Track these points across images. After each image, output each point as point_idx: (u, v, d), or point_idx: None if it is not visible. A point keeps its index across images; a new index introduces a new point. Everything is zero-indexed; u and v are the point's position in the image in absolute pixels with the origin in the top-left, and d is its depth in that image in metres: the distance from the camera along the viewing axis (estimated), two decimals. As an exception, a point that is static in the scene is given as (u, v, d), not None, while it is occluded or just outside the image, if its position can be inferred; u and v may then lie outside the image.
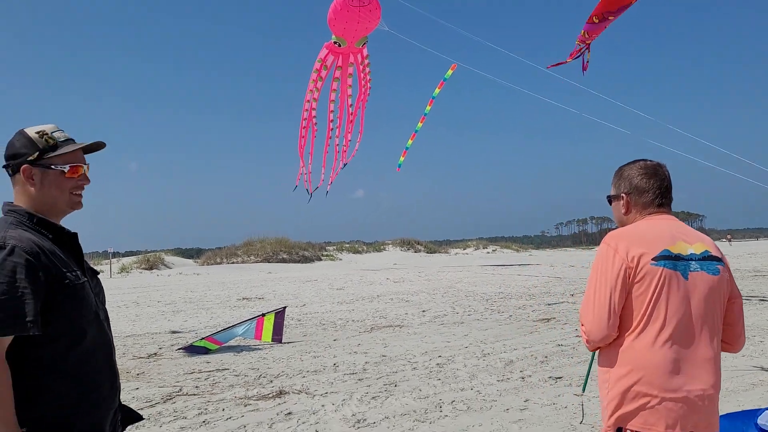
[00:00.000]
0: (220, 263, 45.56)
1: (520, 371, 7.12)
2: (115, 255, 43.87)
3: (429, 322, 11.99)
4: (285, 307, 10.41)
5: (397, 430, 5.03)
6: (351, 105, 12.78)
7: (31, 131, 1.99)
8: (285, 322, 10.39)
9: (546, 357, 7.92)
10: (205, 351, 9.16)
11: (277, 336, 9.72)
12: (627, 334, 2.22)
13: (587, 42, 8.55)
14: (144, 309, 16.78)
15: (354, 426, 5.19)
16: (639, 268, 2.19)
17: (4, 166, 2.01)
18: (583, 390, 3.11)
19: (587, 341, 2.33)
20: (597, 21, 8.07)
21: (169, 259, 44.93)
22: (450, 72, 13.88)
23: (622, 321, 2.23)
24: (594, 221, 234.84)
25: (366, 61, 12.43)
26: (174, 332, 11.71)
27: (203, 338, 9.50)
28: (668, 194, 2.49)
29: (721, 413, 4.00)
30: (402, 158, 14.73)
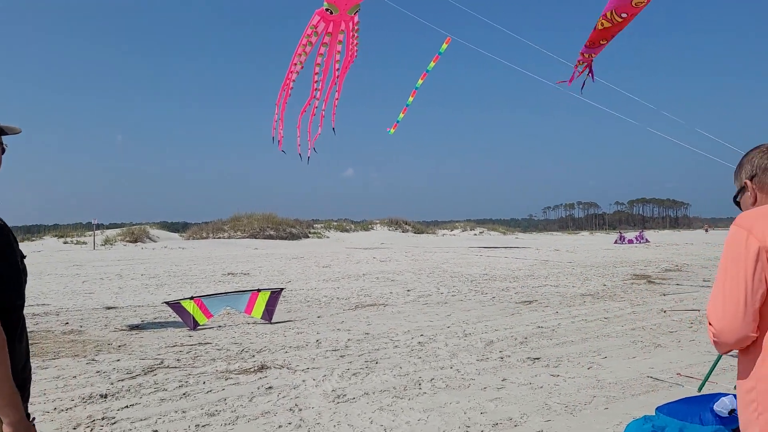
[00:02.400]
0: (206, 238, 45.44)
1: (500, 351, 7.21)
2: (99, 227, 43.52)
3: (413, 302, 12.07)
4: (282, 289, 10.31)
5: (376, 405, 5.10)
6: (338, 70, 12.70)
7: None
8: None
9: (525, 338, 8.02)
10: (194, 321, 9.15)
11: (268, 314, 9.60)
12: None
13: (589, 61, 8.51)
14: (127, 282, 16.75)
15: (333, 401, 5.25)
16: None
17: None
18: (699, 389, 2.86)
19: (716, 343, 1.92)
20: (590, 47, 8.05)
21: (154, 232, 44.71)
22: (445, 46, 13.72)
23: (763, 318, 1.83)
24: (581, 206, 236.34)
25: (356, 28, 12.33)
26: (154, 306, 11.72)
27: (192, 298, 9.40)
28: None
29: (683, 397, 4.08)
30: (393, 129, 14.62)
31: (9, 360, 1.76)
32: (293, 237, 48.77)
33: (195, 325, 9.15)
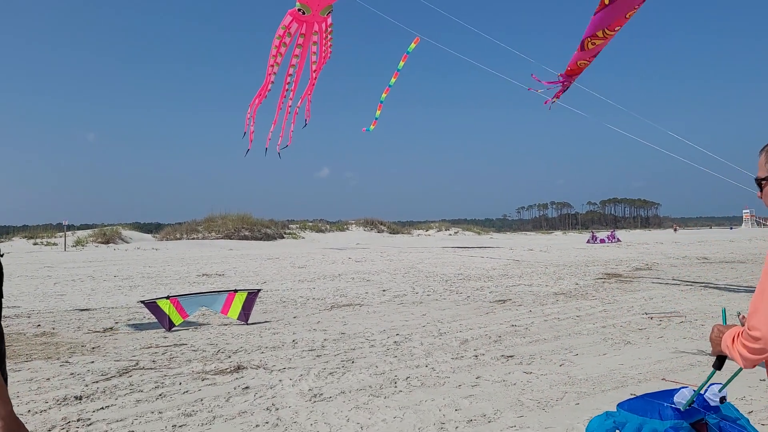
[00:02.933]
0: (179, 239, 44.94)
1: (474, 350, 7.33)
2: (70, 228, 42.76)
3: (389, 302, 12.16)
4: (259, 290, 10.28)
5: (352, 404, 5.16)
6: (314, 71, 12.74)
7: None
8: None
9: (499, 336, 8.16)
10: (169, 321, 9.09)
11: (245, 315, 9.57)
12: None
13: (566, 87, 8.80)
14: (100, 283, 16.52)
15: (310, 400, 5.30)
16: None
17: None
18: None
19: (752, 350, 1.83)
20: (571, 74, 8.34)
21: (126, 233, 44.10)
22: (413, 45, 13.87)
23: None
24: (554, 206, 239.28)
25: (329, 29, 12.36)
26: (128, 308, 11.60)
27: (168, 297, 9.31)
28: None
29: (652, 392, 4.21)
30: (373, 126, 14.75)
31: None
32: (268, 237, 48.52)
33: (170, 326, 9.09)
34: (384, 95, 13.88)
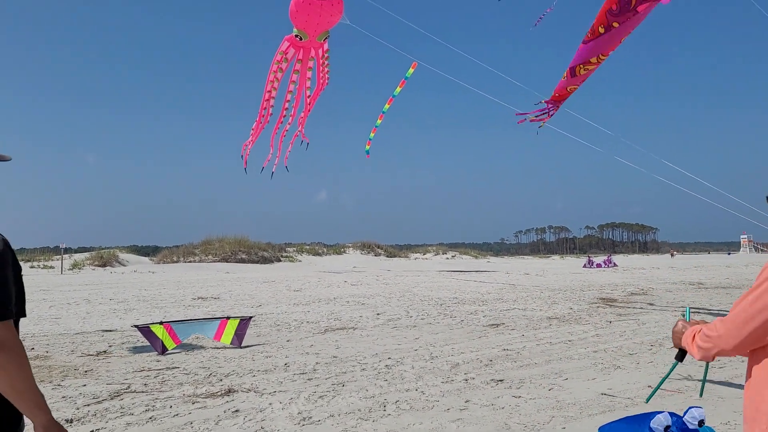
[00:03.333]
0: (176, 262, 44.91)
1: (465, 374, 7.37)
2: (67, 251, 42.74)
3: (382, 325, 12.18)
4: (251, 317, 10.36)
5: (341, 427, 5.20)
6: (309, 96, 12.94)
7: None
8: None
9: (491, 360, 8.20)
10: (162, 346, 9.12)
11: (238, 340, 9.63)
12: None
13: (553, 112, 9.00)
14: (95, 306, 16.53)
15: (299, 423, 5.34)
16: None
17: None
18: (701, 395, 3.08)
19: (706, 349, 2.06)
20: (558, 100, 8.52)
21: (123, 256, 44.08)
22: (411, 70, 14.10)
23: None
24: (552, 230, 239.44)
25: (326, 55, 12.56)
26: (121, 331, 11.61)
27: (161, 323, 9.36)
28: None
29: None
30: (368, 146, 15.02)
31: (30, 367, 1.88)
32: (265, 261, 48.52)
33: (163, 350, 9.12)
34: (379, 121, 14.09)
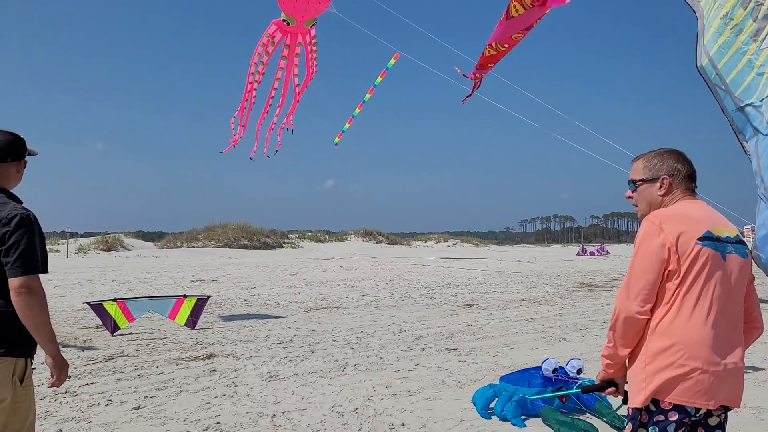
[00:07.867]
0: (180, 247, 45.89)
1: (424, 344, 8.19)
2: (73, 235, 43.80)
3: (365, 305, 13.01)
4: (209, 297, 10.28)
5: (301, 382, 6.03)
6: (298, 85, 13.45)
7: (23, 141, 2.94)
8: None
9: (452, 334, 9.02)
10: (114, 324, 9.05)
11: (192, 322, 9.53)
12: (668, 310, 2.26)
13: (479, 79, 9.43)
14: (98, 287, 17.42)
15: (266, 380, 6.17)
16: (684, 247, 2.25)
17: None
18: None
19: (614, 318, 2.37)
20: (480, 69, 8.97)
21: (128, 241, 45.07)
22: (392, 61, 14.62)
23: (662, 297, 2.28)
24: (557, 219, 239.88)
25: (314, 41, 13.07)
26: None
27: (115, 300, 9.32)
28: (696, 180, 2.55)
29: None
30: (338, 138, 15.57)
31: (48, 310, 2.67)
32: (267, 247, 49.42)
33: (114, 329, 9.07)
34: (357, 110, 14.67)
